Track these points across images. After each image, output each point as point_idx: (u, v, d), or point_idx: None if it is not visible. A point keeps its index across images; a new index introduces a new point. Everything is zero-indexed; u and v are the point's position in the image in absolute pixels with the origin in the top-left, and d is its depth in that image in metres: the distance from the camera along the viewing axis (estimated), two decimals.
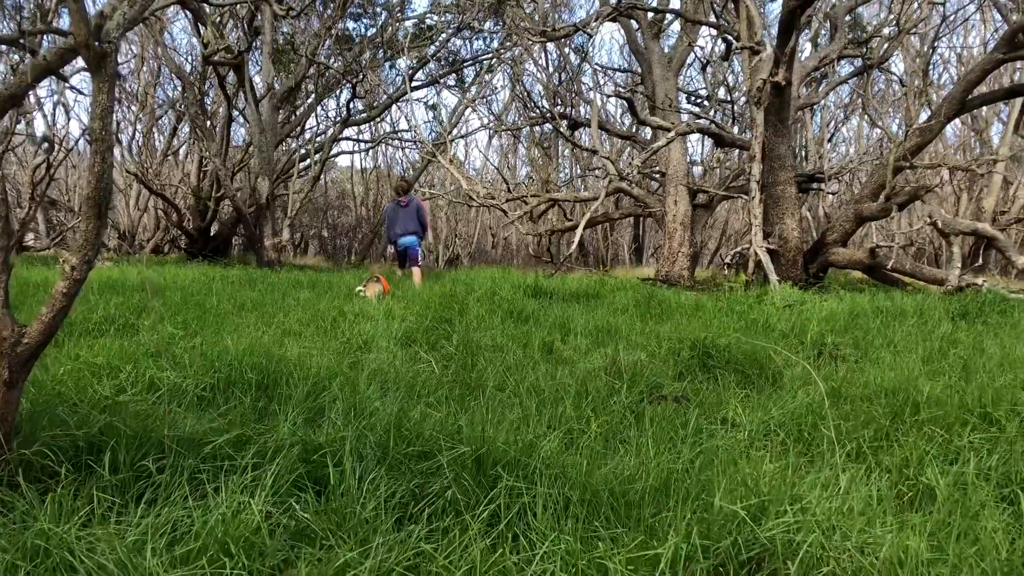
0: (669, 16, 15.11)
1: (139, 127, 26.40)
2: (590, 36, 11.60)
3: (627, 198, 23.26)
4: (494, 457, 3.16)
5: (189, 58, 23.69)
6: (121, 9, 2.93)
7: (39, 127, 25.33)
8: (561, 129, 14.24)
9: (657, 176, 17.29)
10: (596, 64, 21.05)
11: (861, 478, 3.34)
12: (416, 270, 11.90)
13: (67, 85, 25.85)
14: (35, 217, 26.71)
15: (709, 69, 16.61)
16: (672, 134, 11.02)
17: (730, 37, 10.70)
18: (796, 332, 6.70)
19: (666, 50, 14.69)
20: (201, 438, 3.44)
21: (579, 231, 13.54)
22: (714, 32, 16.94)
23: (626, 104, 14.29)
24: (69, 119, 26.67)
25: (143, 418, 3.56)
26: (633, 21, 14.71)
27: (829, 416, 3.84)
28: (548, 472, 3.05)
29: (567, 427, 4.01)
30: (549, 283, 10.29)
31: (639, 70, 16.14)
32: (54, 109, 25.00)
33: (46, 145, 18.38)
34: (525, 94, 19.20)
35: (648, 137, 17.03)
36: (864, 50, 13.47)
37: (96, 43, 2.83)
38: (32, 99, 23.30)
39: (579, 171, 27.39)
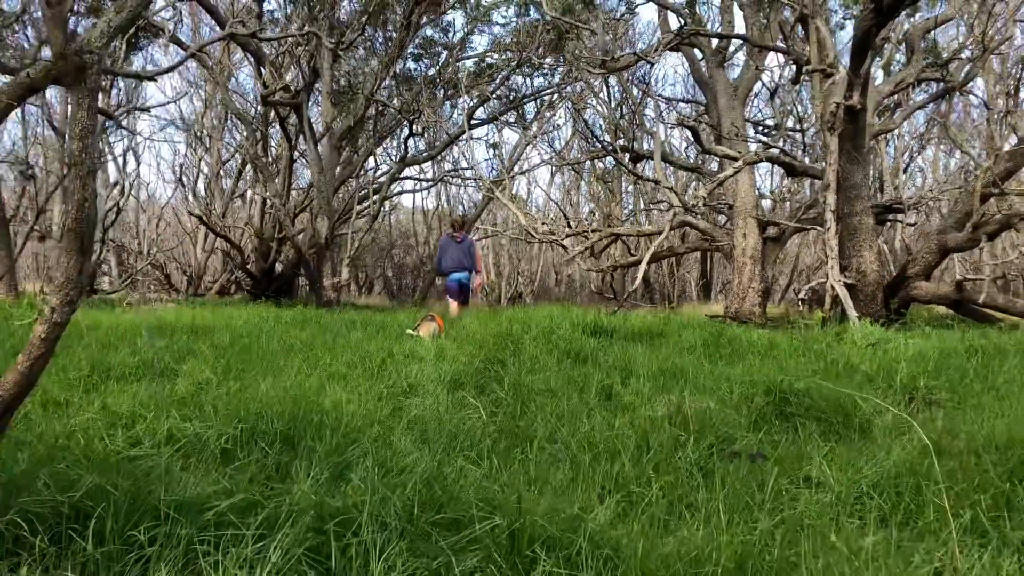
0: (734, 43, 14.61)
1: (205, 170, 27.01)
2: (652, 65, 11.16)
3: (693, 232, 22.66)
4: (531, 533, 2.66)
5: (255, 103, 24.09)
6: (107, 16, 2.58)
7: (111, 171, 26.07)
8: (624, 162, 13.76)
9: (724, 209, 16.65)
10: (658, 96, 20.64)
11: (984, 559, 2.73)
12: (455, 306, 11.91)
13: (136, 134, 26.75)
14: (106, 259, 27.44)
15: (777, 97, 16.00)
16: (740, 163, 10.44)
17: (800, 61, 10.09)
18: (883, 375, 6.02)
19: (731, 79, 14.15)
20: (204, 502, 3.03)
21: (643, 266, 12.97)
22: (782, 59, 16.43)
23: (690, 135, 13.75)
24: (139, 163, 27.05)
25: (141, 478, 3.17)
26: (696, 50, 14.25)
27: (937, 476, 3.22)
28: (597, 553, 2.53)
29: (624, 489, 3.48)
30: (611, 321, 9.76)
31: (703, 100, 15.63)
32: (124, 153, 25.53)
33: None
34: (586, 129, 18.83)
35: (715, 168, 16.47)
36: (944, 73, 12.68)
37: (75, 55, 2.47)
38: (103, 144, 23.94)
39: (642, 205, 26.84)
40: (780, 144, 14.33)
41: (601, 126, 21.30)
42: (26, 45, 15.53)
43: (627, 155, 14.74)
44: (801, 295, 10.15)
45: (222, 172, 26.61)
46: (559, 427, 4.72)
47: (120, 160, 25.28)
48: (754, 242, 13.18)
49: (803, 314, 10.16)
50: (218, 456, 4.03)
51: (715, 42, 13.91)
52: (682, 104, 20.28)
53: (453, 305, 11.84)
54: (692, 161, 18.81)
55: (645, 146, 17.38)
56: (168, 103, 22.18)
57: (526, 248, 32.64)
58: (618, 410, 5.32)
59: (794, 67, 12.70)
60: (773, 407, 5.05)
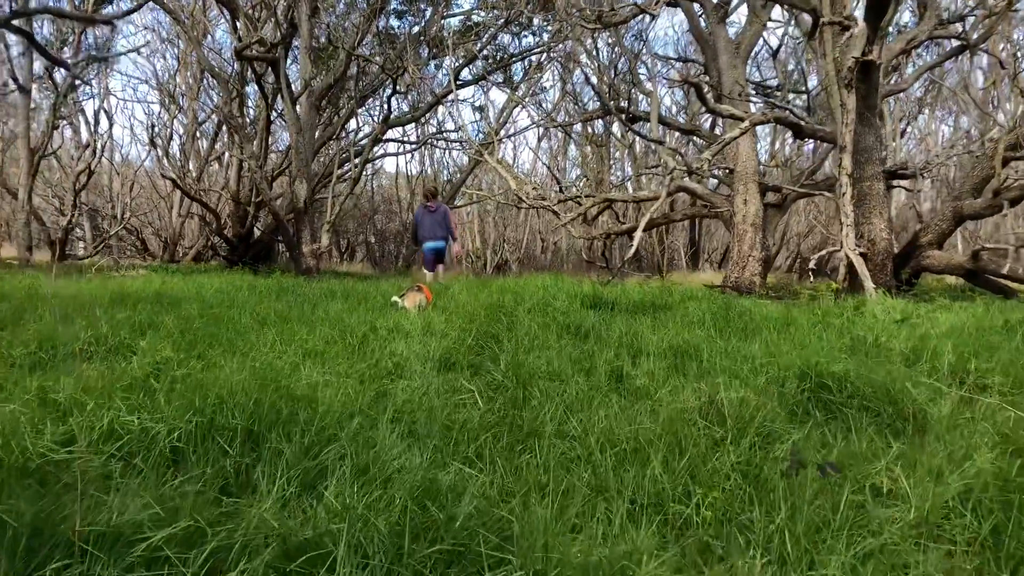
0: None
1: (180, 131, 25.95)
2: (653, 18, 10.39)
3: (683, 199, 21.97)
4: None
5: (232, 61, 22.96)
6: None
7: (82, 133, 25.01)
8: (623, 121, 13.01)
9: (719, 173, 16.01)
10: (654, 54, 19.80)
11: None
12: (430, 276, 12.00)
13: (109, 90, 25.56)
14: (78, 224, 26.45)
15: (781, 55, 15.27)
16: (746, 123, 9.77)
17: (817, 12, 9.35)
18: (926, 355, 5.41)
19: (732, 36, 13.40)
20: (134, 532, 2.38)
21: (638, 233, 12.32)
22: (785, 16, 15.63)
23: (695, 93, 13.00)
24: (112, 124, 25.97)
25: (52, 499, 2.51)
26: (696, 4, 13.46)
27: None
28: None
29: (660, 506, 2.86)
30: (609, 292, 9.12)
31: (701, 60, 14.89)
32: (96, 113, 24.47)
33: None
34: (575, 91, 18.01)
35: (714, 130, 15.77)
36: (961, 29, 11.96)
37: None
38: (73, 103, 22.90)
39: (632, 171, 26.10)
40: (785, 105, 13.62)
41: (593, 87, 20.44)
42: None
43: (623, 116, 14.02)
44: (811, 264, 9.52)
45: (198, 133, 25.54)
46: (568, 417, 4.10)
47: (92, 120, 24.18)
48: (755, 209, 12.54)
49: (815, 285, 9.56)
50: (168, 457, 3.38)
51: None
52: (679, 63, 19.49)
53: (429, 275, 11.92)
54: (688, 123, 18.07)
55: (642, 106, 16.61)
56: (127, 52, 21.00)
57: (512, 214, 31.91)
58: (632, 395, 4.70)
59: (797, 23, 11.93)
60: (810, 394, 4.44)
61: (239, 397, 3.90)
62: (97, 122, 24.08)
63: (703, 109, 13.58)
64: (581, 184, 19.10)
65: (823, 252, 9.63)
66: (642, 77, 16.78)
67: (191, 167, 24.44)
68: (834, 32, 9.58)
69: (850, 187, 8.89)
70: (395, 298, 8.74)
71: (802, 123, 10.68)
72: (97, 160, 23.92)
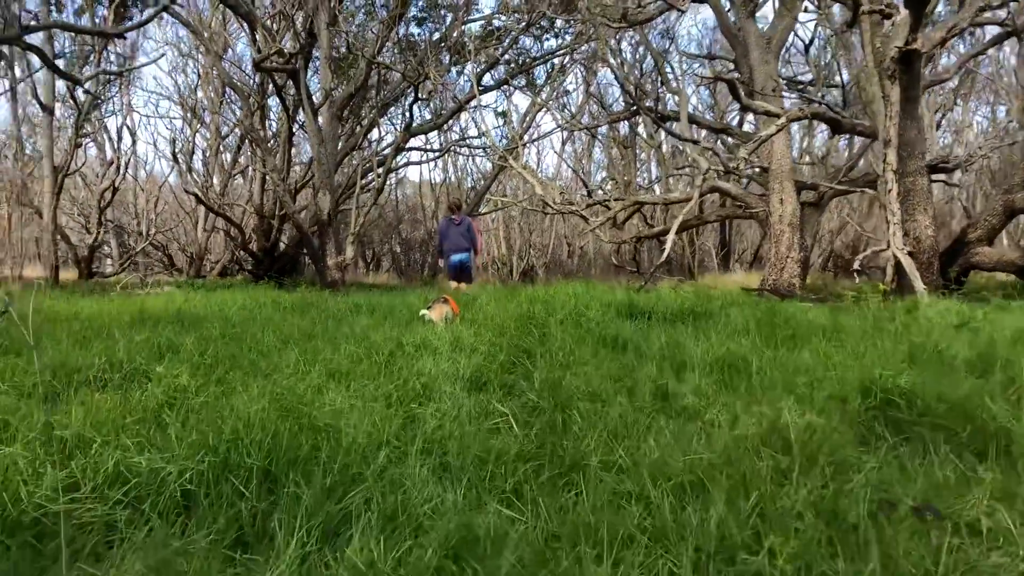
0: None
1: (203, 146, 25.95)
2: (683, 12, 10.00)
3: (711, 200, 21.47)
4: None
5: (253, 74, 22.83)
6: None
7: (107, 151, 25.08)
8: (646, 123, 12.63)
9: (750, 172, 15.57)
10: (682, 51, 19.37)
11: None
12: (454, 285, 12.14)
13: (132, 107, 25.67)
14: (104, 241, 26.53)
15: (812, 49, 14.78)
16: (783, 120, 9.36)
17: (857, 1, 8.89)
18: (993, 365, 4.98)
19: (761, 31, 12.96)
20: None
21: (671, 236, 11.93)
22: (814, 9, 15.12)
23: (726, 89, 12.56)
24: (135, 140, 26.03)
25: (50, 560, 2.22)
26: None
27: None
28: None
29: (733, 562, 2.51)
30: (644, 299, 8.74)
31: (729, 57, 14.47)
32: (119, 130, 24.54)
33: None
34: (603, 88, 17.59)
35: (741, 127, 15.31)
36: (1008, 13, 11.41)
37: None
38: (95, 121, 22.95)
39: (656, 172, 25.64)
40: (822, 99, 13.10)
41: (622, 85, 19.99)
42: None
43: (652, 115, 13.63)
44: (856, 266, 9.07)
45: (221, 147, 25.50)
46: (614, 445, 3.75)
47: (115, 137, 24.27)
48: (792, 208, 12.09)
49: (854, 286, 9.12)
50: (178, 502, 3.09)
51: None
52: (707, 61, 18.98)
53: (453, 285, 12.12)
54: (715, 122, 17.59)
55: (670, 105, 16.18)
56: (141, 66, 20.89)
57: (538, 220, 31.54)
58: (681, 417, 4.34)
59: (827, 18, 11.48)
60: (876, 412, 4.06)
61: (255, 433, 3.61)
62: (120, 139, 24.14)
63: (733, 107, 13.14)
64: (609, 187, 18.62)
65: (868, 252, 9.15)
66: (669, 76, 16.38)
67: (215, 181, 24.42)
68: (873, 22, 9.16)
69: (896, 183, 8.45)
70: (423, 311, 8.45)
71: (840, 118, 10.24)
72: (121, 177, 23.98)
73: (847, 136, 16.47)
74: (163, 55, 23.61)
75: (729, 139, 16.45)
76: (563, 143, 31.19)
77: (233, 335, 7.43)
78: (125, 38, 14.94)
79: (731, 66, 14.76)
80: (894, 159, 8.43)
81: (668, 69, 16.85)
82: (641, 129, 23.34)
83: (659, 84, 13.54)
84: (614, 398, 4.64)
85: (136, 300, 11.24)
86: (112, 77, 20.72)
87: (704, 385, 5.04)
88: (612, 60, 18.44)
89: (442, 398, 4.91)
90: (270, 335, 7.48)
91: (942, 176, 14.85)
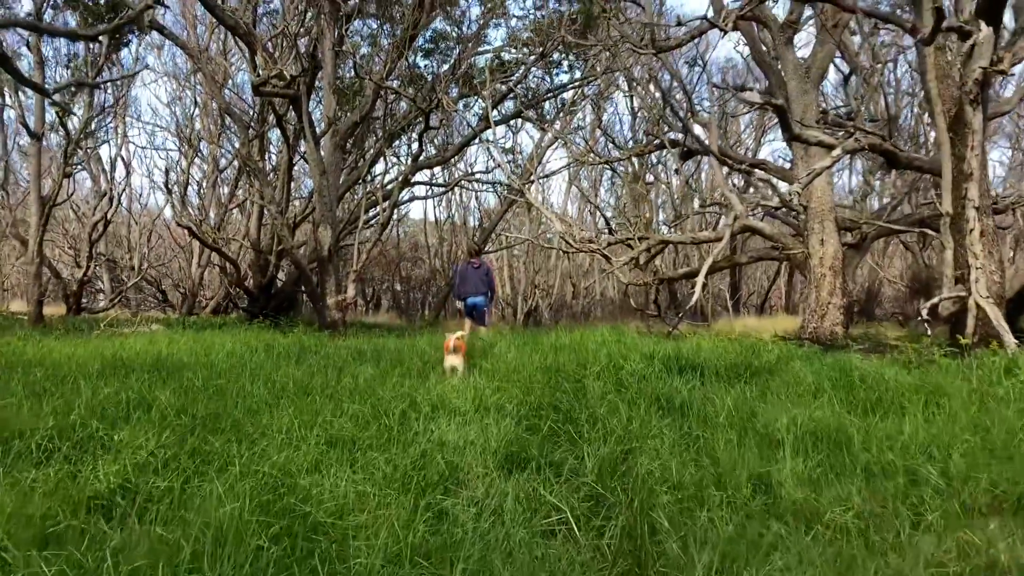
0: (806, 11, 12.44)
1: (199, 177, 25.06)
2: (725, 33, 9.13)
3: (742, 240, 20.52)
4: None
5: (253, 105, 21.91)
6: None
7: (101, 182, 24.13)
8: (672, 157, 11.75)
9: (779, 213, 14.64)
10: (713, 83, 18.53)
11: None
12: (483, 329, 11.92)
13: (127, 138, 24.86)
14: (97, 276, 25.52)
15: (853, 80, 13.88)
16: (838, 151, 8.41)
17: (944, 11, 7.95)
18: None
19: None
20: None
21: (700, 278, 10.94)
22: (858, 34, 14.29)
23: (776, 116, 11.60)
24: (129, 172, 25.15)
25: None
26: (757, 25, 12.18)
27: None
28: None
29: None
30: (687, 350, 7.68)
31: (758, 87, 13.63)
32: (112, 161, 23.66)
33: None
34: (613, 123, 16.71)
35: (784, 163, 14.40)
36: None
37: None
38: (87, 151, 22.06)
39: (681, 211, 24.69)
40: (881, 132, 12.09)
41: (629, 121, 19.16)
42: None
43: (676, 149, 12.75)
44: (923, 314, 8.04)
45: (218, 180, 24.56)
46: (727, 567, 2.70)
47: (108, 168, 23.28)
48: (834, 250, 11.09)
49: (931, 336, 8.10)
50: None
51: (782, 14, 11.86)
52: (741, 91, 18.08)
53: (468, 324, 12.06)
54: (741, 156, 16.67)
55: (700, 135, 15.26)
56: (117, 79, 19.99)
57: (543, 259, 30.59)
58: (796, 519, 3.29)
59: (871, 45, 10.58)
60: None
61: (228, 549, 2.56)
62: (114, 170, 23.18)
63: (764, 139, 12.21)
64: (631, 225, 17.65)
65: (944, 297, 8.12)
66: (697, 108, 15.55)
67: (211, 215, 23.47)
68: (937, 46, 8.28)
69: (978, 222, 7.46)
70: (449, 362, 7.33)
71: (897, 151, 9.32)
72: (114, 209, 23.02)
73: (879, 177, 15.64)
74: (144, 67, 22.70)
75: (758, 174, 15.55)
76: (570, 181, 30.34)
77: (217, 388, 6.39)
78: (100, 42, 14.02)
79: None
80: (976, 195, 7.46)
81: (696, 100, 16.08)
82: (670, 161, 22.42)
83: (688, 115, 12.71)
84: (702, 489, 3.57)
85: (116, 342, 10.16)
86: (103, 105, 19.92)
87: (801, 467, 3.98)
88: (641, 89, 17.67)
89: (475, 483, 3.86)
90: (260, 387, 6.42)
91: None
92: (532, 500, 3.59)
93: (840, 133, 10.55)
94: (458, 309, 13.12)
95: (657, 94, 16.62)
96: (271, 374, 7.06)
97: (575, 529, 3.24)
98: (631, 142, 24.55)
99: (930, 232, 9.23)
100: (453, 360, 7.32)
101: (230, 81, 23.26)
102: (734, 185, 19.17)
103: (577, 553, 3.05)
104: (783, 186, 14.00)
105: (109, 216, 22.57)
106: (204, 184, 24.60)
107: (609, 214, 28.94)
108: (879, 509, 3.49)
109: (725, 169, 16.34)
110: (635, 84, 18.52)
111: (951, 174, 8.47)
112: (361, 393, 6.12)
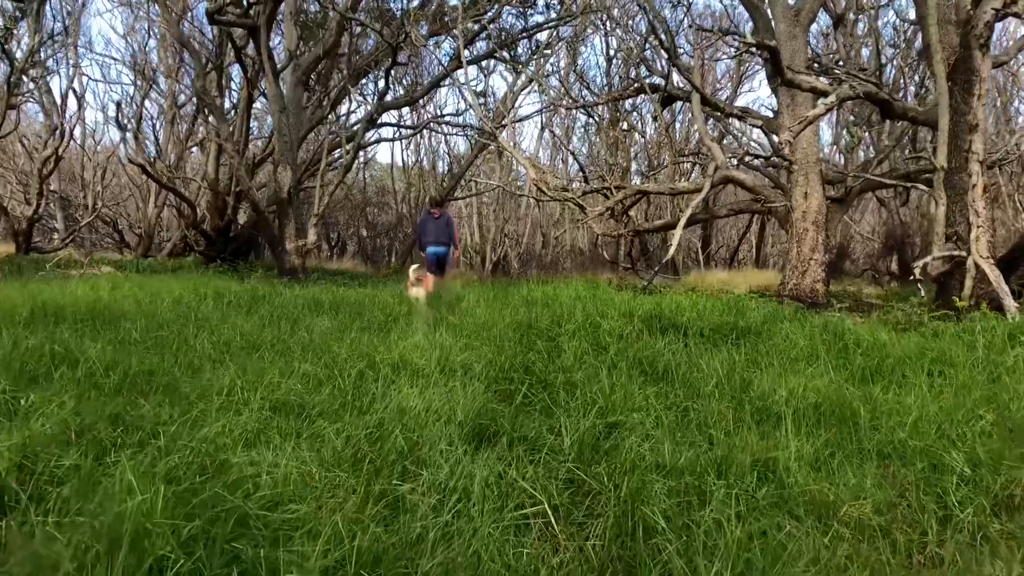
0: None
1: (157, 113, 23.88)
2: None
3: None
4: None
5: (213, 40, 20.68)
6: None
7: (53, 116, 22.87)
8: (687, 97, 11.10)
9: (757, 163, 14.15)
10: (698, 26, 17.73)
11: None
12: (430, 280, 11.17)
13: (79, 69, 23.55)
14: (47, 214, 24.42)
15: (843, 27, 13.28)
16: (832, 98, 7.90)
17: None
18: None
19: (789, 3, 11.47)
20: None
21: (678, 231, 10.47)
22: None
23: (766, 60, 11.00)
24: (82, 106, 23.89)
25: None
26: None
27: None
28: None
29: None
30: (668, 307, 7.21)
31: (746, 29, 12.98)
32: (64, 94, 22.40)
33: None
34: (589, 68, 15.99)
35: (771, 113, 13.83)
36: None
37: None
38: (35, 83, 20.82)
39: (659, 160, 24.07)
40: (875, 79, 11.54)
41: (604, 67, 18.41)
42: None
43: (656, 95, 12.15)
44: (916, 273, 7.64)
45: (177, 117, 23.37)
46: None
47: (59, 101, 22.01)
48: (817, 204, 10.65)
49: (919, 295, 7.71)
50: None
51: None
52: (724, 35, 17.38)
53: (430, 278, 11.26)
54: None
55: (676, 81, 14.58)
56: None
57: (512, 207, 29.90)
58: (809, 514, 2.84)
59: None
60: None
61: (121, 560, 2.03)
62: (65, 103, 21.92)
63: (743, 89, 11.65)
64: (608, 174, 16.97)
65: (931, 258, 7.71)
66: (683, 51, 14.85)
67: (169, 153, 22.38)
68: None
69: (980, 176, 7.02)
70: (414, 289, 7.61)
71: (893, 100, 8.82)
72: (65, 144, 21.86)
73: (865, 129, 15.14)
74: None
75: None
76: (543, 127, 29.51)
77: (156, 340, 5.81)
78: None
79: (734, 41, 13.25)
80: (981, 147, 7.01)
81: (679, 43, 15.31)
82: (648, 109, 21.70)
83: (671, 57, 12.02)
84: (701, 477, 3.10)
85: (56, 285, 9.43)
86: (52, 32, 18.65)
87: (807, 449, 3.53)
88: (620, 33, 16.93)
89: (437, 462, 3.34)
90: (204, 341, 5.84)
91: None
92: (503, 485, 3.11)
93: (829, 81, 10.01)
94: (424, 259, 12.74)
95: (642, 26, 15.89)
96: (218, 326, 6.48)
97: (553, 524, 2.77)
98: (606, 88, 23.79)
99: (920, 187, 8.78)
100: (416, 291, 8.25)
101: (189, 13, 21.99)
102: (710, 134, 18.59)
103: (556, 555, 2.58)
104: (757, 134, 13.49)
105: (60, 151, 21.40)
106: (162, 121, 23.42)
107: (582, 160, 28.24)
108: (897, 500, 3.07)
109: (707, 118, 15.76)
110: (614, 24, 17.75)
111: (948, 126, 8.01)
112: (315, 350, 5.57)
